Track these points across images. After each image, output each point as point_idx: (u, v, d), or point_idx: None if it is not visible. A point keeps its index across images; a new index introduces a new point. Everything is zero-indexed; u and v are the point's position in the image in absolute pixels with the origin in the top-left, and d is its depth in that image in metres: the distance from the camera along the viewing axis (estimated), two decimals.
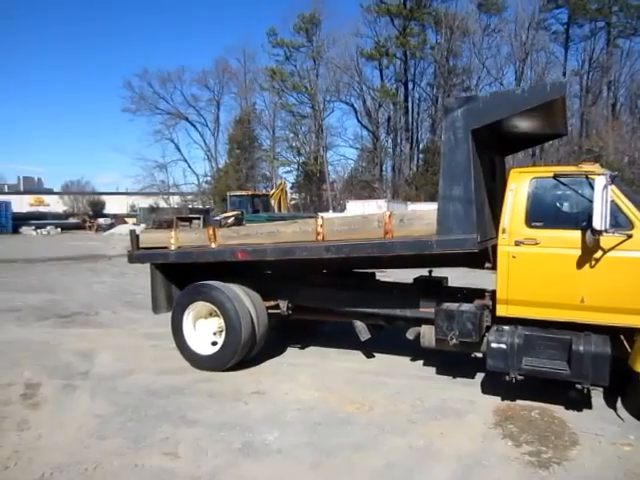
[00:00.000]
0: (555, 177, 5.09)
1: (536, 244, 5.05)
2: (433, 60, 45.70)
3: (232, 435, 4.61)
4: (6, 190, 71.30)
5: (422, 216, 5.49)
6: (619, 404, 5.23)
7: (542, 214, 5.14)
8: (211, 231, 6.69)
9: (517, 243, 5.11)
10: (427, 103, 48.77)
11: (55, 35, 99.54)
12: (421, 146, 47.74)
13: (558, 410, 5.16)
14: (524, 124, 5.84)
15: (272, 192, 33.32)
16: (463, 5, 45.43)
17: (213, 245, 6.60)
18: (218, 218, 26.53)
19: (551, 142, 43.23)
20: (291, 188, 46.75)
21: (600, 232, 4.61)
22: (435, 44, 45.56)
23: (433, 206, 5.55)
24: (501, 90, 5.23)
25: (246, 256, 6.29)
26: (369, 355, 6.99)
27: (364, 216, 6.13)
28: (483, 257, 5.65)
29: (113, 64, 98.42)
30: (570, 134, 43.66)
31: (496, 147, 6.43)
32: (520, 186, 5.20)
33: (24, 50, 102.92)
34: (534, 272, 5.07)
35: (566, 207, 5.18)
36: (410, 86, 47.78)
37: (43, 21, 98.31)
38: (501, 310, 5.25)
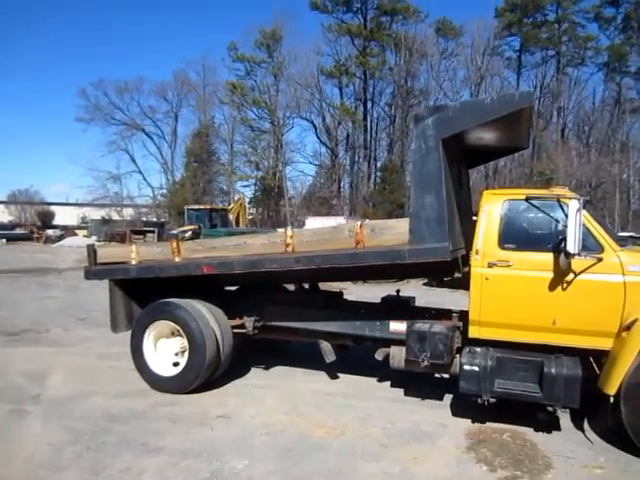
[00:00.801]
0: (527, 199, 5.13)
1: (509, 266, 5.06)
2: (392, 80, 46.57)
3: (199, 463, 4.36)
4: None
5: (394, 225, 5.44)
6: (586, 426, 5.26)
7: (515, 236, 5.16)
8: (174, 244, 6.44)
9: (490, 265, 5.10)
10: (385, 122, 49.59)
11: (7, 38, 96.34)
12: (379, 164, 48.35)
13: (528, 432, 5.14)
14: (489, 136, 5.91)
15: (231, 207, 32.96)
16: (422, 29, 46.70)
17: (177, 259, 6.35)
18: (175, 232, 25.94)
19: (504, 163, 44.80)
20: (249, 203, 46.39)
21: (573, 255, 4.65)
22: (394, 65, 46.47)
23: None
24: (471, 100, 5.35)
25: (212, 270, 6.07)
26: (336, 376, 6.85)
27: (335, 226, 6.04)
28: (453, 267, 5.63)
29: (68, 72, 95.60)
30: (522, 157, 45.25)
31: (461, 159, 6.47)
32: (493, 208, 5.22)
33: None
34: (507, 294, 5.08)
35: (538, 229, 5.21)
36: (369, 105, 48.54)
37: None
38: (473, 332, 5.22)
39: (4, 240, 40.98)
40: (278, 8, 64.07)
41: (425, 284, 17.78)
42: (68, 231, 48.21)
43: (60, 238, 43.52)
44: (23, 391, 6.07)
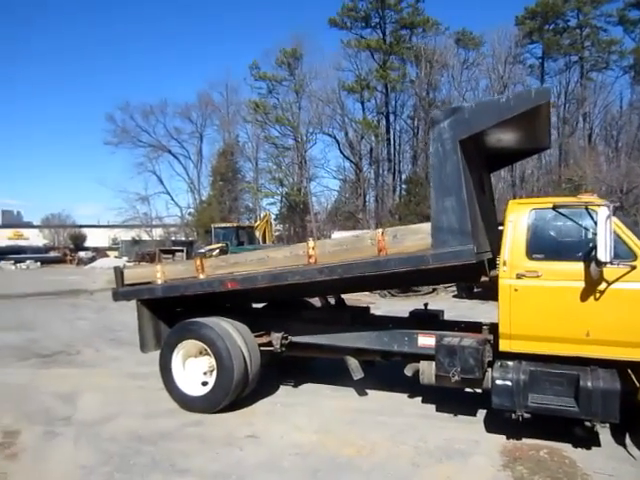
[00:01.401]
0: (554, 208, 5.01)
1: (538, 277, 4.93)
2: (413, 93, 46.42)
3: None
4: None
5: (416, 230, 5.36)
6: (628, 441, 5.06)
7: (543, 246, 5.04)
8: (198, 262, 6.48)
9: (519, 276, 4.98)
10: (408, 135, 49.37)
11: (36, 67, 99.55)
12: (403, 177, 48.07)
13: (566, 449, 4.97)
14: (509, 136, 5.81)
15: (257, 224, 33.14)
16: (441, 40, 46.51)
17: (201, 276, 6.37)
18: (203, 250, 26.19)
19: (531, 172, 44.17)
20: (275, 219, 46.60)
21: (604, 264, 4.51)
22: (415, 77, 46.42)
23: None
24: (486, 99, 5.25)
25: (236, 285, 6.07)
26: (365, 392, 6.75)
27: (356, 235, 5.98)
28: (479, 270, 5.52)
29: (95, 97, 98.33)
30: (549, 164, 44.59)
31: (482, 163, 6.37)
32: (519, 218, 5.11)
33: (4, 82, 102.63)
34: (537, 305, 4.94)
35: (567, 238, 5.07)
36: (391, 118, 48.39)
37: (24, 53, 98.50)
38: (504, 345, 5.09)
39: (38, 263, 41.93)
40: (297, 27, 64.96)
41: (455, 296, 17.55)
42: (99, 253, 49.13)
43: (92, 260, 44.34)
44: (55, 413, 6.15)
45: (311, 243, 5.82)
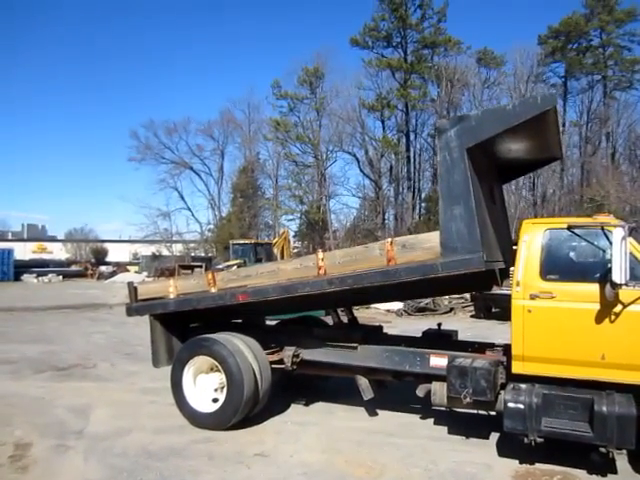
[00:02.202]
0: (569, 228, 4.95)
1: (552, 298, 4.86)
2: (434, 111, 46.48)
3: None
4: (10, 237, 71.57)
5: (425, 240, 5.33)
6: None
7: (557, 267, 4.98)
8: (210, 276, 6.51)
9: (532, 297, 4.92)
10: (428, 153, 49.28)
11: (63, 84, 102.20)
12: (423, 195, 48.03)
13: (581, 475, 4.84)
14: (518, 146, 5.77)
15: (275, 241, 33.20)
16: (463, 59, 46.64)
17: (213, 290, 6.41)
18: (220, 267, 26.30)
19: (552, 191, 43.72)
20: (294, 236, 46.75)
21: (620, 285, 4.43)
22: (436, 96, 46.50)
23: None
24: (492, 106, 5.23)
25: (247, 298, 6.09)
26: (377, 413, 6.68)
27: (366, 246, 5.97)
28: (490, 279, 5.46)
29: (120, 114, 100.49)
30: (571, 184, 44.09)
31: (493, 174, 6.33)
32: (533, 238, 5.05)
33: (31, 99, 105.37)
34: (551, 327, 4.86)
35: (582, 259, 5.01)
36: (412, 136, 48.46)
37: (50, 70, 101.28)
38: (517, 367, 5.00)
39: (60, 277, 42.58)
40: (319, 46, 65.72)
41: (473, 316, 17.36)
42: (120, 267, 49.72)
43: (112, 274, 44.89)
44: (67, 426, 6.19)
45: (320, 254, 5.83)
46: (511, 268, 5.16)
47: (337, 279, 5.55)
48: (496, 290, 15.37)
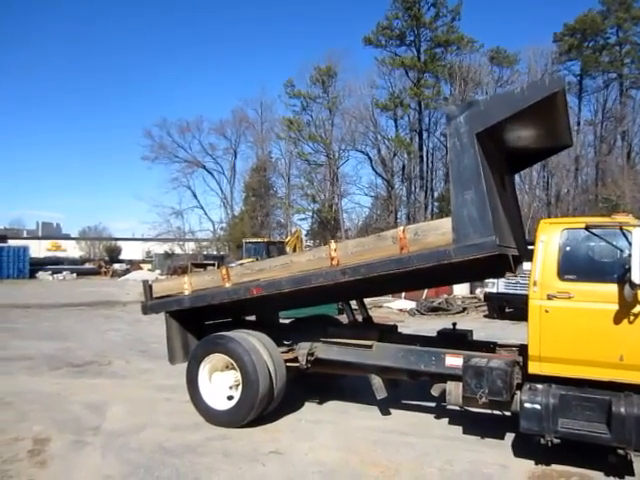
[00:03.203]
0: (587, 228, 4.91)
1: (569, 298, 4.83)
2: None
3: None
4: (25, 235, 72.38)
5: (437, 226, 5.32)
6: None
7: (575, 267, 4.94)
8: (224, 271, 6.54)
9: (549, 297, 4.89)
10: (441, 152, 49.05)
11: (78, 83, 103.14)
12: (435, 194, 47.84)
13: (598, 477, 4.80)
14: (528, 133, 5.75)
15: (288, 239, 33.25)
16: (476, 58, 46.37)
17: (227, 285, 6.43)
18: (233, 265, 26.41)
19: (567, 190, 43.33)
20: (306, 235, 46.78)
21: (639, 286, 4.39)
22: (449, 95, 46.28)
23: None
24: (501, 91, 5.28)
25: (261, 291, 6.11)
26: (390, 412, 6.66)
27: (378, 235, 5.94)
28: (504, 265, 5.45)
29: (134, 113, 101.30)
30: (585, 183, 43.67)
31: (503, 164, 6.30)
32: (551, 237, 5.02)
33: (46, 97, 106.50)
34: (568, 328, 4.83)
35: (600, 259, 4.96)
36: (424, 135, 48.30)
37: (65, 68, 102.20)
38: (534, 367, 4.98)
39: (74, 274, 43.00)
40: (332, 45, 65.72)
41: (486, 316, 17.27)
42: (133, 265, 50.11)
43: (126, 272, 45.26)
44: (84, 422, 6.25)
45: (333, 245, 5.82)
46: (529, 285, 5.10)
47: (350, 269, 5.55)
48: (510, 290, 15.35)
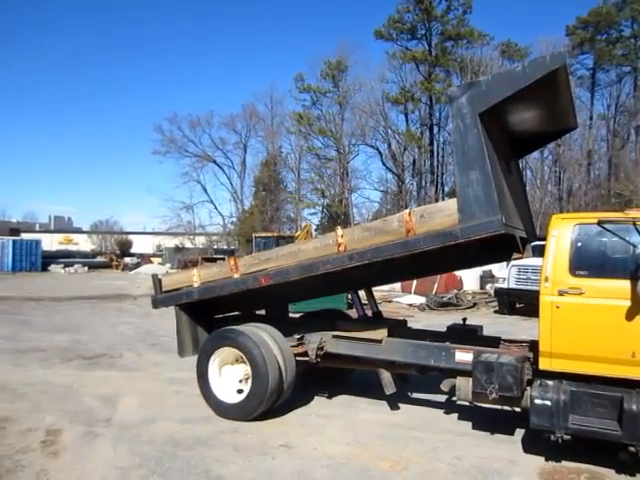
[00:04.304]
0: (600, 224, 4.86)
1: (581, 294, 4.79)
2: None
3: None
4: (37, 229, 73.07)
5: (443, 208, 5.28)
6: None
7: (587, 262, 4.90)
8: (232, 262, 6.54)
9: (561, 293, 4.85)
10: (452, 147, 48.88)
11: (89, 77, 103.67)
12: (446, 189, 47.63)
13: (609, 474, 4.77)
14: (531, 114, 5.71)
15: (298, 234, 33.30)
16: (487, 52, 46.06)
17: (235, 275, 6.44)
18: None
19: (578, 185, 42.95)
20: (315, 230, 46.80)
21: None
22: None
23: None
24: (502, 70, 5.22)
25: (269, 280, 6.12)
26: (400, 407, 6.67)
27: (384, 219, 5.93)
28: (511, 245, 5.42)
29: (144, 108, 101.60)
30: (598, 178, 43.27)
31: (508, 149, 6.26)
32: (563, 233, 4.98)
33: (58, 91, 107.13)
34: (580, 324, 4.79)
35: (612, 255, 4.92)
36: (435, 130, 48.11)
37: (76, 61, 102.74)
38: (544, 363, 4.95)
39: (86, 267, 43.32)
40: (343, 39, 65.49)
41: (496, 311, 17.20)
42: (144, 259, 50.41)
43: (136, 266, 45.53)
44: (96, 414, 6.31)
45: (339, 231, 5.80)
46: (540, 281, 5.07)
47: (357, 254, 5.55)
48: (521, 286, 15.26)
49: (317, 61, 49.54)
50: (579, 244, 4.93)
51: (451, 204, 5.14)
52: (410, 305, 18.48)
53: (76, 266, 42.59)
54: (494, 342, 6.33)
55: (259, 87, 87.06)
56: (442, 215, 5.18)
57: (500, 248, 5.43)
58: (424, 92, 45.62)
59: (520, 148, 6.95)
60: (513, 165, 6.57)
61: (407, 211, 5.45)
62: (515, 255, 5.57)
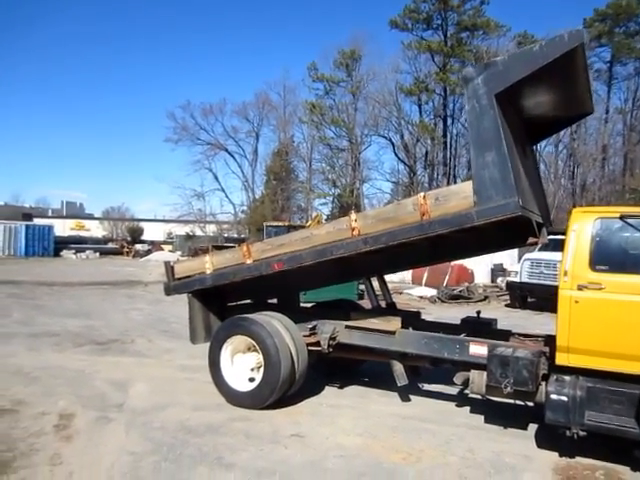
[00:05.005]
0: (622, 218, 4.77)
1: (601, 289, 4.71)
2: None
3: None
4: (50, 214, 73.62)
5: (458, 191, 5.21)
6: None
7: (607, 257, 4.81)
8: (245, 248, 6.51)
9: (580, 287, 4.77)
10: (465, 139, 48.40)
11: (100, 66, 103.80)
12: (458, 181, 47.30)
13: (625, 472, 4.71)
14: (547, 98, 5.62)
15: (308, 224, 33.29)
16: (503, 43, 45.43)
17: (248, 261, 6.41)
18: None
19: (592, 180, 42.46)
20: (326, 220, 46.75)
21: None
22: None
23: None
24: (518, 50, 5.13)
25: (282, 266, 6.09)
26: (411, 399, 6.63)
27: (398, 202, 5.89)
28: (529, 231, 5.36)
29: (157, 96, 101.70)
30: (612, 173, 42.74)
31: (523, 134, 6.17)
32: (583, 227, 4.90)
33: (73, 79, 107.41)
34: (599, 319, 4.72)
35: (634, 251, 4.83)
36: (449, 121, 47.73)
37: (90, 48, 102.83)
38: (561, 359, 4.88)
39: (97, 254, 43.62)
40: (357, 28, 65.03)
41: (508, 305, 17.10)
42: (155, 246, 50.62)
43: (147, 253, 45.75)
44: (108, 399, 6.34)
45: (353, 215, 5.74)
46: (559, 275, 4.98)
47: (371, 238, 5.49)
48: (534, 280, 15.13)
49: (331, 50, 49.24)
50: (600, 238, 4.85)
51: (466, 186, 5.07)
52: (421, 297, 18.41)
53: (88, 252, 42.89)
54: (508, 336, 6.27)
55: (272, 76, 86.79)
56: (457, 198, 5.12)
57: (515, 233, 5.36)
58: (438, 83, 45.20)
59: (534, 134, 6.84)
60: (528, 150, 6.49)
61: (422, 194, 5.38)
62: (531, 240, 5.48)
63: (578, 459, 4.93)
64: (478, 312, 7.01)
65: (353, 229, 5.67)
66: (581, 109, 6.43)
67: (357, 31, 54.82)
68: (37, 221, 49.94)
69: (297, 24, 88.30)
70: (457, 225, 5.05)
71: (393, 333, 6.05)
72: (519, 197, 4.73)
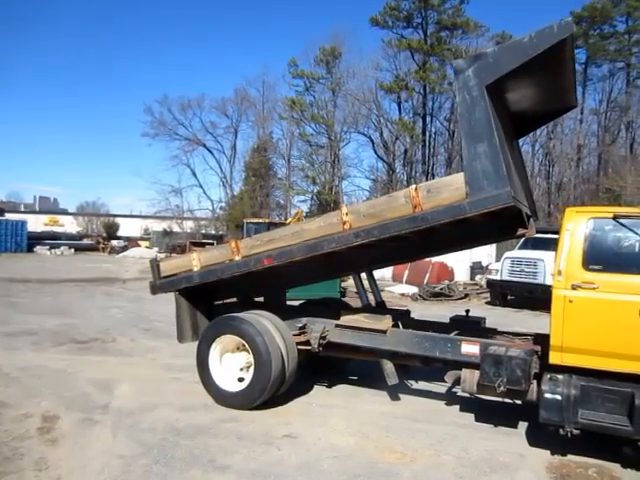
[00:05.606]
0: (615, 218, 4.81)
1: (594, 289, 4.74)
2: (452, 95, 45.91)
3: None
4: (22, 209, 71.93)
5: (450, 182, 5.19)
6: None
7: (601, 257, 4.84)
8: (234, 244, 6.39)
9: (574, 287, 4.79)
10: (444, 137, 48.82)
11: (77, 59, 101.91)
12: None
13: (616, 469, 4.76)
14: (534, 91, 5.68)
15: (289, 220, 33.15)
16: (482, 43, 45.79)
17: (237, 257, 6.29)
18: None
19: (568, 179, 43.16)
20: (306, 217, 46.62)
21: None
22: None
23: None
24: (508, 41, 5.13)
25: (272, 261, 6.00)
26: (401, 398, 6.61)
27: (389, 195, 5.82)
28: (519, 222, 5.39)
29: (134, 90, 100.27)
30: (587, 173, 43.49)
31: (510, 128, 6.20)
32: (577, 226, 4.92)
33: (46, 72, 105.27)
34: (592, 318, 4.74)
35: (627, 250, 4.86)
36: (428, 120, 47.96)
37: (65, 43, 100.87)
38: (555, 358, 4.90)
39: (72, 250, 42.74)
40: (338, 25, 64.97)
41: (488, 303, 17.24)
42: (131, 242, 49.85)
43: (124, 249, 45.01)
44: (92, 400, 6.18)
45: (344, 209, 5.69)
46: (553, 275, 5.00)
47: (363, 231, 5.44)
48: (514, 278, 15.27)
49: (311, 47, 49.12)
50: (593, 238, 4.87)
51: (458, 178, 5.06)
52: (402, 294, 18.45)
53: (62, 248, 41.95)
54: (497, 335, 6.29)
55: (251, 71, 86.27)
56: (449, 189, 5.10)
57: (505, 224, 5.39)
58: (418, 81, 45.38)
59: (519, 128, 6.88)
60: (515, 144, 6.54)
61: (413, 187, 5.33)
62: (520, 231, 5.50)
63: (570, 457, 4.97)
64: (467, 311, 7.03)
65: (344, 223, 5.61)
66: (566, 102, 6.47)
67: (338, 28, 54.78)
68: (9, 216, 48.69)
69: (278, 20, 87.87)
70: (450, 217, 5.03)
71: (384, 332, 6.01)
72: (511, 187, 4.75)
